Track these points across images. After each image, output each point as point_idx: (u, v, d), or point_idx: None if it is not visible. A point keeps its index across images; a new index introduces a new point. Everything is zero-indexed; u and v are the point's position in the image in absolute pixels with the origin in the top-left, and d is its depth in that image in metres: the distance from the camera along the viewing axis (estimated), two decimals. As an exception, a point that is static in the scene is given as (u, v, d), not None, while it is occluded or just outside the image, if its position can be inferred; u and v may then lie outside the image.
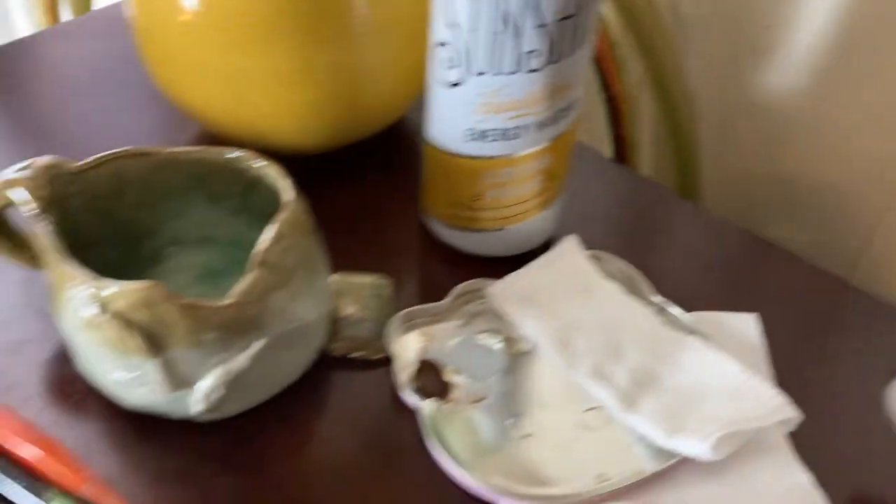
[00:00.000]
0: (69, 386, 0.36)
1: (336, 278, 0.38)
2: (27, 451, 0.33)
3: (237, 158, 0.36)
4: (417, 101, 0.47)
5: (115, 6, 0.61)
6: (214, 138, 0.48)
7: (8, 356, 0.37)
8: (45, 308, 0.38)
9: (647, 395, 0.35)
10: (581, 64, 0.35)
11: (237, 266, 0.40)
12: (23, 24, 1.15)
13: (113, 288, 0.30)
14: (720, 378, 0.36)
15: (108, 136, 0.50)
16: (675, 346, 0.37)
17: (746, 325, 0.40)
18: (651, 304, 0.40)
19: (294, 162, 0.39)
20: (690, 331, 0.38)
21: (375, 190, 0.47)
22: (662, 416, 0.34)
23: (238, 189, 0.38)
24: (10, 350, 0.37)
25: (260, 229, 0.39)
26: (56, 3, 0.86)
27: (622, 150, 0.62)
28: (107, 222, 0.37)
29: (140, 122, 0.51)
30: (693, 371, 0.36)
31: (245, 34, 0.40)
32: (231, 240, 0.40)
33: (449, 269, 0.43)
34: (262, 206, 0.38)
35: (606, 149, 0.63)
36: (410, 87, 0.45)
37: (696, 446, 0.33)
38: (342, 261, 0.39)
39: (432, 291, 0.41)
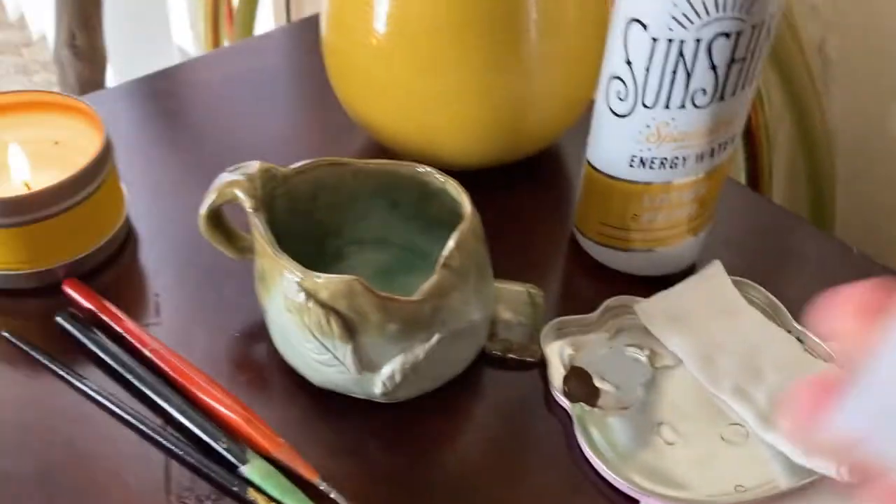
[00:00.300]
0: (258, 362, 0.41)
1: (495, 285, 0.42)
2: (229, 415, 0.38)
3: (423, 173, 0.40)
4: (572, 126, 0.51)
5: (278, 30, 0.67)
6: (382, 148, 0.52)
7: (207, 332, 0.42)
8: (235, 295, 0.43)
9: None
10: (744, 102, 0.38)
11: (406, 267, 0.44)
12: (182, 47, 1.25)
13: (319, 279, 0.35)
14: (859, 405, 0.38)
15: (285, 145, 0.55)
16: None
17: (886, 358, 0.41)
18: (791, 331, 0.42)
19: (456, 175, 0.43)
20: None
21: (528, 206, 0.51)
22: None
23: (415, 198, 0.42)
24: (209, 327, 0.43)
25: (429, 235, 0.43)
26: (219, 30, 0.94)
27: (756, 180, 0.64)
28: (301, 222, 0.42)
29: (311, 132, 0.56)
30: (832, 397, 0.38)
31: (430, 58, 0.44)
32: (403, 243, 0.44)
33: (594, 284, 0.46)
34: (434, 214, 0.42)
35: (740, 177, 0.64)
36: (570, 115, 0.49)
37: (833, 467, 0.35)
38: (496, 269, 0.42)
39: (578, 303, 0.44)
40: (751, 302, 0.43)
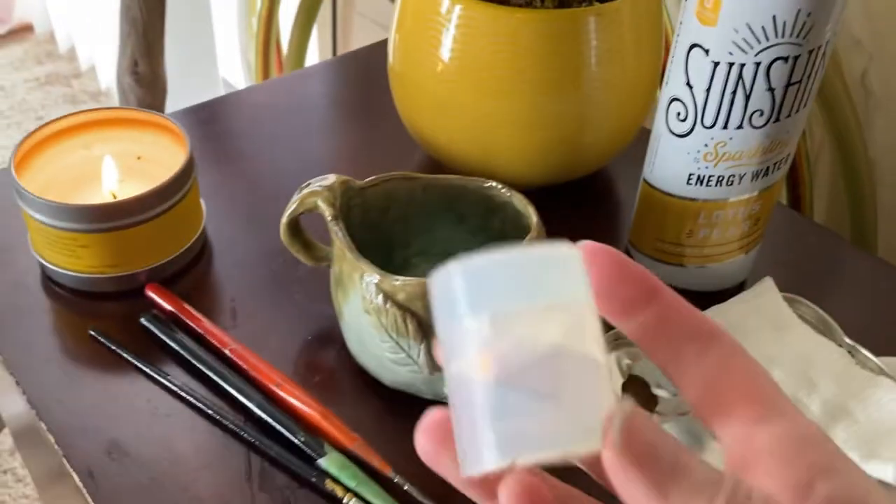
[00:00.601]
0: (330, 364, 0.43)
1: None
2: (307, 410, 0.40)
3: (489, 187, 0.43)
4: (623, 150, 0.53)
5: (327, 62, 0.70)
6: (440, 166, 0.55)
7: (281, 336, 0.45)
8: (306, 301, 0.46)
9: (840, 424, 0.39)
10: (800, 123, 0.40)
11: (469, 279, 0.46)
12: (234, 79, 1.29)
13: (397, 281, 0.37)
14: (911, 415, 0.39)
15: (346, 163, 0.58)
16: (866, 384, 0.41)
17: (936, 373, 0.43)
18: (842, 345, 0.43)
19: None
20: (881, 372, 0.42)
21: (583, 223, 0.53)
22: (855, 442, 0.38)
23: (480, 212, 0.44)
24: (282, 331, 0.45)
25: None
26: (269, 65, 0.98)
27: (798, 208, 0.66)
28: (373, 233, 0.44)
29: (370, 151, 0.59)
30: (885, 407, 0.40)
31: (492, 84, 0.47)
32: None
33: (646, 299, 0.48)
34: (498, 228, 0.44)
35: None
36: (622, 138, 0.51)
37: (890, 472, 0.36)
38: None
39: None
40: (801, 318, 0.45)
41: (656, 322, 0.19)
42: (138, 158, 0.49)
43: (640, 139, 0.54)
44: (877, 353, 0.43)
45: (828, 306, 0.46)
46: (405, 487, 0.37)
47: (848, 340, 0.44)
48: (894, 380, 0.41)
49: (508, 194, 0.42)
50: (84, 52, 1.78)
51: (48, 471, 0.40)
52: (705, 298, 0.46)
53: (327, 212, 0.40)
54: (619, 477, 0.17)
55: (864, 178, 0.62)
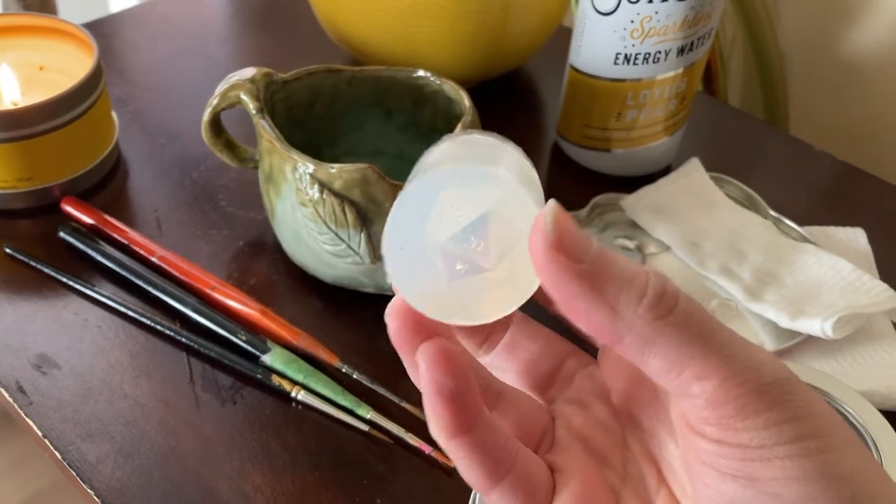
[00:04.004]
0: (265, 267, 0.42)
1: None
2: (246, 310, 0.39)
3: (418, 77, 0.42)
4: (544, 42, 0.53)
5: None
6: (360, 66, 0.53)
7: (209, 242, 0.43)
8: (231, 207, 0.44)
9: (769, 288, 0.41)
10: (722, -5, 0.40)
11: (401, 177, 0.45)
12: None
13: (333, 169, 0.36)
14: (834, 275, 0.41)
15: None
16: (791, 251, 0.42)
17: (855, 237, 0.44)
18: (767, 217, 0.45)
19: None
20: (804, 239, 0.43)
21: (509, 120, 0.53)
22: (784, 303, 0.40)
23: (409, 106, 0.44)
24: (211, 238, 0.43)
25: (422, 144, 0.45)
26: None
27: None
28: (298, 131, 0.42)
29: (289, 56, 0.57)
30: (809, 270, 0.41)
31: (413, -27, 0.45)
32: (396, 153, 0.46)
33: (578, 188, 0.48)
34: (427, 121, 0.44)
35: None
36: (545, 29, 0.51)
37: (817, 326, 0.38)
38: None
39: (562, 204, 0.46)
40: (728, 195, 0.46)
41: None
42: (41, 69, 0.46)
43: (560, 37, 0.54)
44: (799, 224, 0.45)
45: (751, 183, 0.47)
46: (353, 376, 0.37)
47: (772, 213, 0.45)
48: (817, 246, 0.43)
49: (439, 82, 0.41)
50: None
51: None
52: (633, 183, 0.46)
53: (251, 104, 0.39)
54: (552, 274, 0.17)
55: (775, 68, 0.64)
